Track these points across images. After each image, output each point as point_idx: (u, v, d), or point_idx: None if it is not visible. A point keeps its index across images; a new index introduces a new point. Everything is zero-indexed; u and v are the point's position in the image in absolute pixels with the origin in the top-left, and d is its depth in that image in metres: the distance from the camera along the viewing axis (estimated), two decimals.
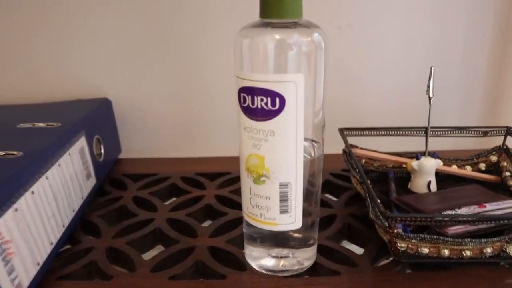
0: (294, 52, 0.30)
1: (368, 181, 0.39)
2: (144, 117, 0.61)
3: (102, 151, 0.52)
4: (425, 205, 0.42)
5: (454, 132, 0.53)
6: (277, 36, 0.30)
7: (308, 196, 0.33)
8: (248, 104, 0.30)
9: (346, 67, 0.60)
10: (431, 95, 0.47)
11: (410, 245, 0.34)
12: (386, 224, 0.34)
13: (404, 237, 0.34)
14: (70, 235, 0.41)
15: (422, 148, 0.49)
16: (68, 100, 0.57)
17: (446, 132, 0.53)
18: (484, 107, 0.65)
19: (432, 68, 0.46)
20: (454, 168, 0.51)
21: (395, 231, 0.34)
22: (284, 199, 0.32)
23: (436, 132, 0.52)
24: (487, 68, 0.62)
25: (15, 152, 0.37)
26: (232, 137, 0.62)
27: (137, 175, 0.54)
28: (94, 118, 0.52)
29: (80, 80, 0.59)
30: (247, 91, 0.30)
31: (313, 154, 0.34)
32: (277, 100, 0.29)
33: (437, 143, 0.52)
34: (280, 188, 0.32)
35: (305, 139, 0.32)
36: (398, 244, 0.34)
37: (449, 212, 0.39)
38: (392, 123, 0.61)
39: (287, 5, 0.29)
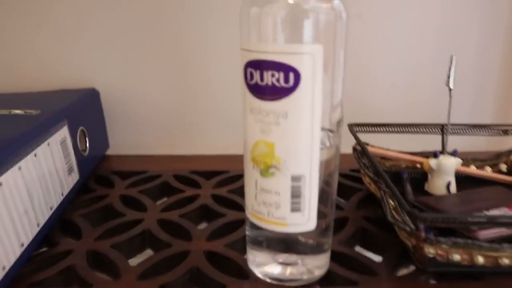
0: (310, 20, 0.25)
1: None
2: (135, 110, 0.56)
3: (87, 144, 0.47)
4: (448, 206, 0.38)
5: (473, 130, 0.49)
6: (291, 1, 0.25)
7: (323, 195, 0.29)
8: (256, 81, 0.26)
9: (353, 59, 0.56)
10: (451, 87, 0.43)
11: (439, 251, 0.30)
12: (413, 226, 0.30)
13: (434, 241, 0.29)
14: (46, 236, 0.36)
15: (434, 147, 0.45)
16: (51, 90, 0.52)
17: (464, 130, 0.49)
18: (497, 105, 0.60)
19: (453, 57, 0.42)
20: (473, 169, 0.47)
21: (423, 234, 0.29)
22: (296, 194, 0.27)
23: (453, 130, 0.48)
24: (501, 64, 0.58)
25: None
26: (231, 134, 0.58)
27: (125, 172, 0.49)
28: (79, 108, 0.47)
29: (65, 69, 0.54)
30: (255, 65, 0.25)
31: (328, 145, 0.29)
32: (291, 75, 0.25)
33: (448, 141, 0.48)
34: (292, 181, 0.27)
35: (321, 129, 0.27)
36: (426, 249, 0.30)
37: (478, 214, 0.35)
38: (399, 119, 0.57)
39: None
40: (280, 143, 0.26)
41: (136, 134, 0.57)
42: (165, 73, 0.54)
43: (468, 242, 0.29)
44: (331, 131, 0.29)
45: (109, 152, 0.56)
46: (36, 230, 0.33)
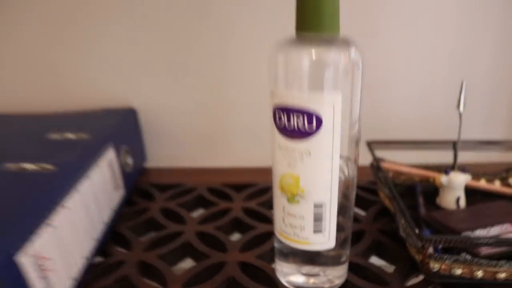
0: (331, 69, 0.29)
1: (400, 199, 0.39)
2: (170, 126, 0.61)
3: (130, 162, 0.52)
4: (456, 222, 0.42)
5: (484, 146, 0.52)
6: (314, 53, 0.29)
7: (341, 210, 0.33)
8: (284, 123, 0.30)
9: (369, 76, 0.60)
10: (461, 111, 0.46)
11: (443, 266, 0.34)
12: (420, 244, 0.34)
13: (437, 258, 0.34)
14: (101, 248, 0.41)
15: (447, 159, 0.49)
16: (93, 109, 0.58)
17: (476, 146, 0.52)
18: (510, 120, 0.64)
19: (464, 82, 0.46)
20: (482, 183, 0.51)
21: (428, 251, 0.34)
22: (318, 218, 0.32)
23: (465, 146, 0.51)
24: None
25: (48, 166, 0.37)
26: (256, 147, 0.63)
27: (163, 185, 0.55)
28: (122, 129, 0.52)
29: (105, 89, 0.59)
30: (283, 109, 0.30)
31: (346, 173, 0.33)
32: (314, 119, 0.29)
33: (460, 155, 0.51)
34: (314, 208, 0.32)
35: (340, 157, 0.31)
36: (431, 264, 0.34)
37: (481, 230, 0.39)
38: (415, 134, 0.60)
39: (324, 20, 0.29)
40: (304, 176, 0.31)
41: (171, 148, 0.62)
42: (197, 93, 0.59)
43: (467, 259, 0.34)
44: (349, 159, 0.33)
45: (147, 164, 0.62)
46: (94, 243, 0.39)
